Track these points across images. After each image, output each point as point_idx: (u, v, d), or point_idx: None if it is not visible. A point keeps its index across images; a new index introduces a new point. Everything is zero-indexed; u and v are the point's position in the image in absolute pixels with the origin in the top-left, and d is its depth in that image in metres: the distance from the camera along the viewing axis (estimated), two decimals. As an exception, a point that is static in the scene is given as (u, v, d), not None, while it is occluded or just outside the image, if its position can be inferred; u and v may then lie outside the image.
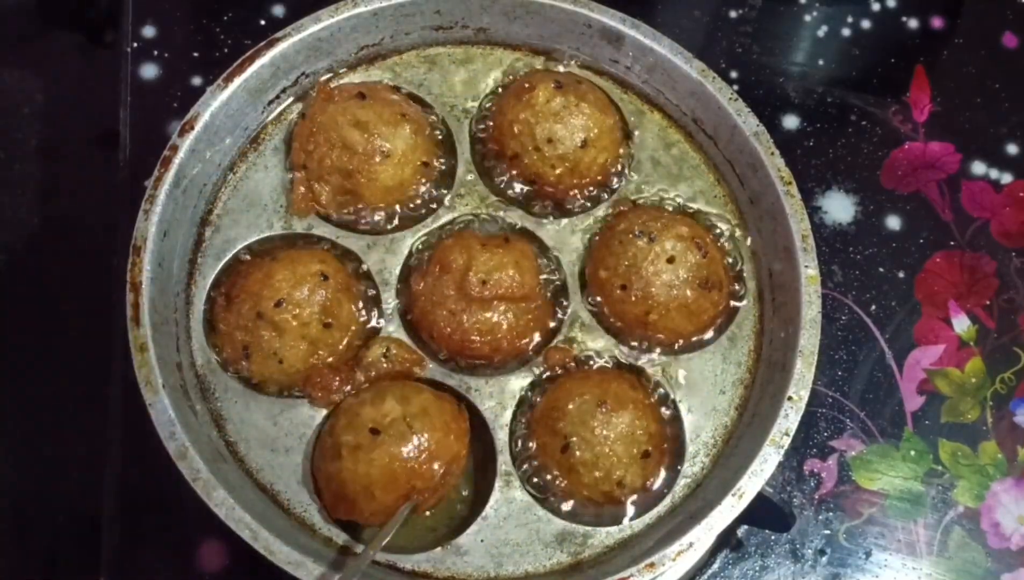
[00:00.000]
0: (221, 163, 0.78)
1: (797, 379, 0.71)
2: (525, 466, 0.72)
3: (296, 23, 0.79)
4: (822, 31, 1.08)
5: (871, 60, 1.07)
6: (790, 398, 0.70)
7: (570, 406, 0.71)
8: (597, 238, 0.79)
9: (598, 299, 0.77)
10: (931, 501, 0.88)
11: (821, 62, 1.06)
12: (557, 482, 0.71)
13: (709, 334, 0.77)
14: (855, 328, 0.94)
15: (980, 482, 0.89)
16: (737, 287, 0.79)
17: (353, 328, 0.74)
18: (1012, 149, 1.03)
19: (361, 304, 0.76)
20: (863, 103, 1.04)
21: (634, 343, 0.76)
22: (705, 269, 0.76)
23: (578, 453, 0.70)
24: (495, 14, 0.83)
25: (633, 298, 0.75)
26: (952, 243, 0.98)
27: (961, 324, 0.95)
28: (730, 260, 0.80)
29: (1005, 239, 0.99)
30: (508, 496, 0.71)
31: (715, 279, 0.76)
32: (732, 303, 0.78)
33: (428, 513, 0.71)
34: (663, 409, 0.75)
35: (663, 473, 0.73)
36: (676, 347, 0.77)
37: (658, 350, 0.76)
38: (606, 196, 0.81)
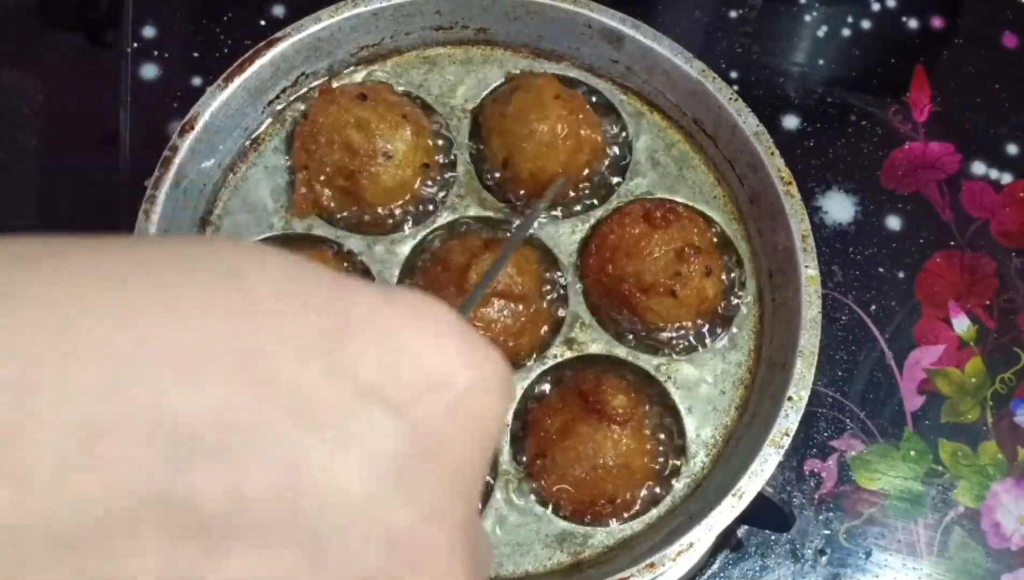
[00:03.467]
0: (221, 163, 0.78)
1: (797, 379, 0.71)
2: (524, 466, 0.72)
3: (296, 23, 0.79)
4: (822, 31, 1.08)
5: (871, 60, 1.07)
6: (790, 398, 0.70)
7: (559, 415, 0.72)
8: (596, 239, 0.79)
9: (598, 299, 0.77)
10: (931, 501, 0.88)
11: (821, 62, 1.06)
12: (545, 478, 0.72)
13: (709, 333, 0.77)
14: (855, 328, 0.94)
15: (980, 482, 0.89)
16: (737, 286, 0.79)
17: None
18: (1012, 149, 1.03)
19: (361, 304, 0.75)
20: (863, 103, 1.04)
21: (634, 342, 0.76)
22: (706, 268, 0.76)
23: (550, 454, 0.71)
24: (495, 14, 0.83)
25: (634, 298, 0.75)
26: (952, 243, 0.98)
27: (961, 324, 0.94)
28: (730, 259, 0.80)
29: (1005, 239, 0.99)
30: (508, 496, 0.71)
31: (716, 277, 0.76)
32: (732, 302, 0.78)
33: None
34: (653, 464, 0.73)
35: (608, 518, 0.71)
36: (676, 346, 0.77)
37: (658, 349, 0.76)
38: (606, 197, 0.81)
